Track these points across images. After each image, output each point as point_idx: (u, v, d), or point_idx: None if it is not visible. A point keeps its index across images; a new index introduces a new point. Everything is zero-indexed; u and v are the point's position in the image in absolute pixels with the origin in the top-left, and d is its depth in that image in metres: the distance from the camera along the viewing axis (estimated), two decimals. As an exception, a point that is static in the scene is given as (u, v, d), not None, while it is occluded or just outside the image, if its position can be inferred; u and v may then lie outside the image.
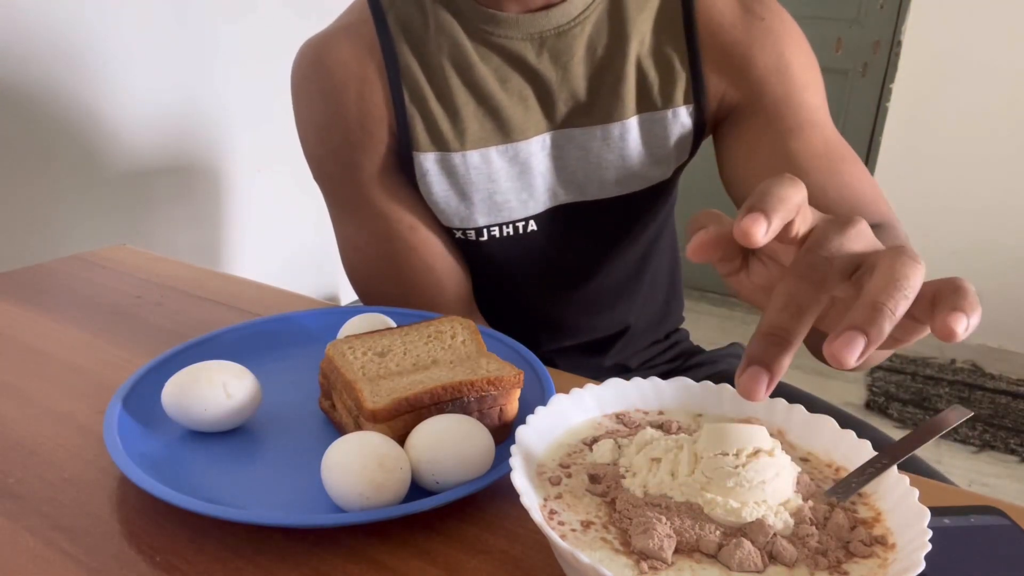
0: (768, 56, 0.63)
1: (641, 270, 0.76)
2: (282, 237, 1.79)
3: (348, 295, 2.01)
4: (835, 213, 0.37)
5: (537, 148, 0.66)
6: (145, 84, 1.39)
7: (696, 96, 0.65)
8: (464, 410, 0.43)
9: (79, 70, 1.27)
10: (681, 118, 0.65)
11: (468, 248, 0.71)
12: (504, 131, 0.65)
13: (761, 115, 0.63)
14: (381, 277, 0.70)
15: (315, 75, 0.65)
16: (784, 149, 0.61)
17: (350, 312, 0.60)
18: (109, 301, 0.70)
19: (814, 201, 0.54)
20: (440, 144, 0.65)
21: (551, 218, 0.69)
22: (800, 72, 0.63)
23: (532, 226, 0.69)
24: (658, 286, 0.80)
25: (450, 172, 0.66)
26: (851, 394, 1.98)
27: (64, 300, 0.70)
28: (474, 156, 0.65)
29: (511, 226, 0.68)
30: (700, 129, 0.67)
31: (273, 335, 0.59)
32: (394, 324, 0.56)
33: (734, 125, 0.65)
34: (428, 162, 0.65)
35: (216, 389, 0.45)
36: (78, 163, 1.31)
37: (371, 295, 0.72)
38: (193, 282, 0.75)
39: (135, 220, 1.45)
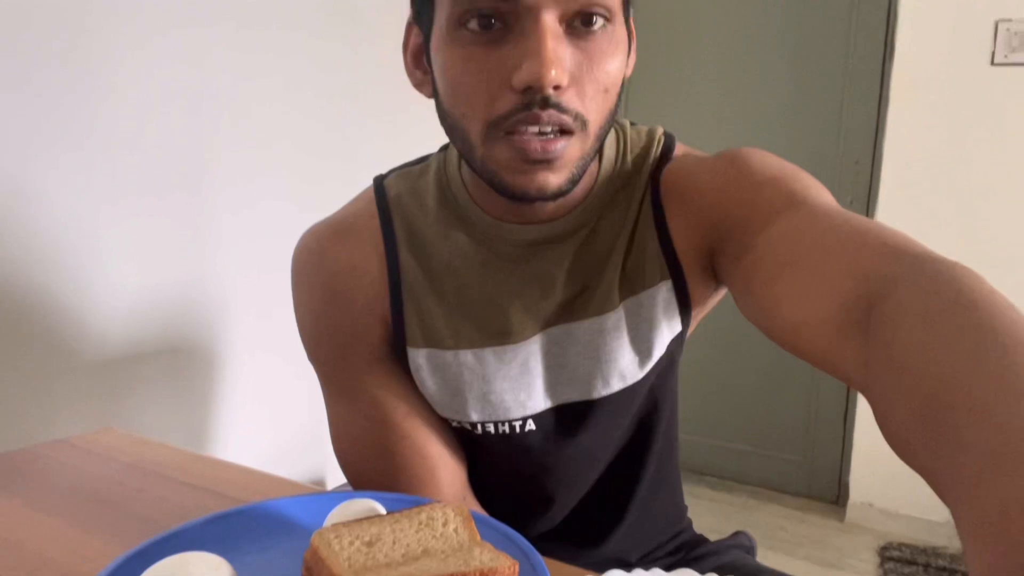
0: (736, 206, 0.60)
1: (641, 457, 0.74)
2: (273, 419, 1.76)
3: (336, 477, 1.95)
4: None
5: (535, 348, 0.66)
6: (140, 265, 1.43)
7: (672, 270, 0.65)
8: (455, 606, 0.41)
9: (71, 252, 1.31)
10: (662, 294, 0.65)
11: (464, 435, 0.70)
12: (502, 333, 0.65)
13: (749, 251, 0.58)
14: (372, 462, 0.68)
15: (316, 264, 0.67)
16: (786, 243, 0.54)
17: (337, 498, 0.58)
18: (90, 487, 0.68)
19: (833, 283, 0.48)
20: (433, 341, 0.66)
21: (550, 417, 0.68)
22: (773, 197, 0.58)
23: (530, 425, 0.68)
24: (657, 472, 0.77)
25: (442, 369, 0.66)
26: (864, 586, 1.88)
27: (44, 487, 0.68)
28: (467, 355, 0.65)
29: (507, 424, 0.67)
30: (685, 302, 0.66)
31: (255, 523, 0.57)
32: (384, 510, 0.54)
33: (732, 267, 0.61)
34: (420, 358, 0.66)
35: (193, 583, 0.43)
36: (67, 345, 1.32)
37: (361, 479, 0.70)
38: (178, 467, 0.73)
39: (124, 401, 1.43)
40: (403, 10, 0.64)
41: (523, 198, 0.56)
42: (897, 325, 0.39)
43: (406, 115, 1.99)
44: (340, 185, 1.78)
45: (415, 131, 2.01)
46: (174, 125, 1.42)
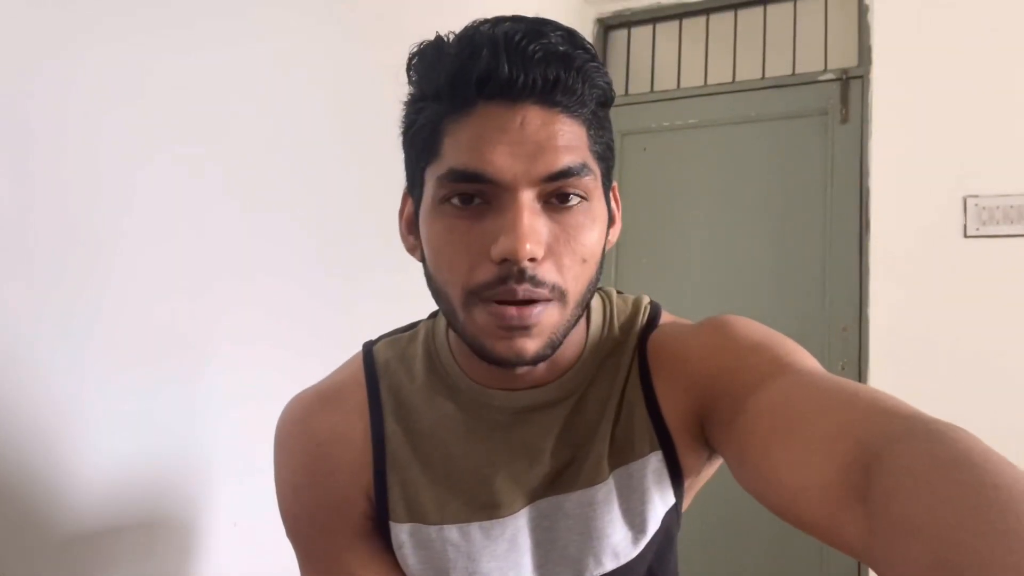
0: (722, 373, 0.60)
1: None
2: (251, 600, 1.66)
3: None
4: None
5: (523, 522, 0.64)
6: (122, 435, 1.40)
7: (662, 440, 0.64)
8: None
9: (54, 421, 1.29)
10: (652, 464, 0.64)
11: None
12: (489, 506, 0.63)
13: (739, 418, 0.57)
14: None
15: (299, 433, 0.67)
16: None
17: None
18: None
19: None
20: (416, 515, 0.64)
21: None
22: (759, 363, 0.58)
23: None
24: None
25: (425, 546, 0.63)
26: None
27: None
28: (452, 531, 0.63)
29: None
30: (676, 472, 0.65)
31: None
32: None
33: (723, 435, 0.59)
34: (403, 534, 0.64)
35: None
36: (41, 518, 1.26)
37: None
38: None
39: (95, 581, 1.35)
40: (397, 178, 0.67)
41: (502, 363, 0.56)
42: (896, 489, 0.39)
43: (405, 285, 2.04)
44: (332, 358, 1.79)
45: (411, 303, 2.05)
46: (168, 301, 1.45)
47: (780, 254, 2.34)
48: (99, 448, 1.32)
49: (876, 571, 0.39)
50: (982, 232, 2.01)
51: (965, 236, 2.03)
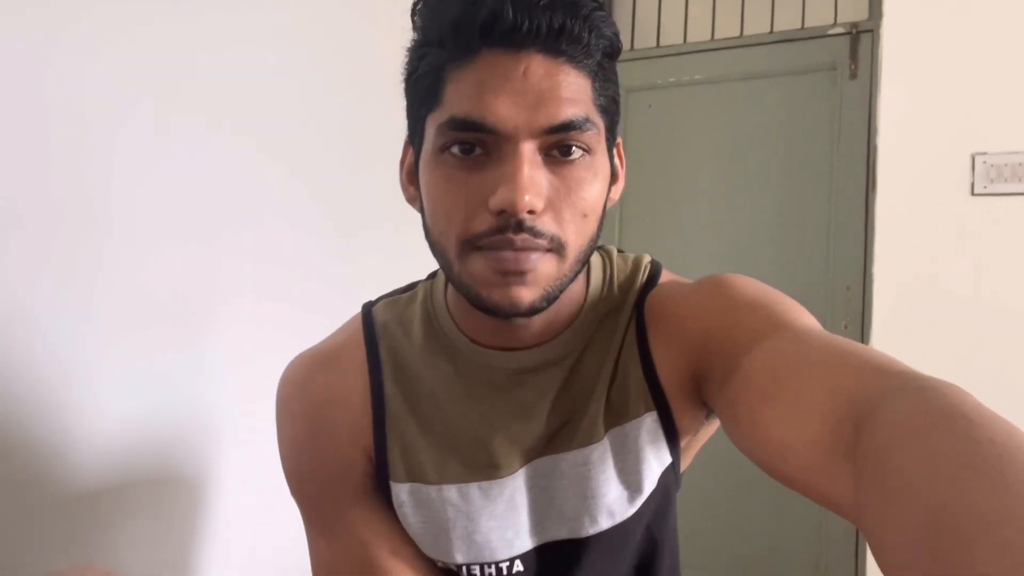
0: (718, 332, 0.59)
1: None
2: (259, 556, 1.69)
3: (324, 621, 1.85)
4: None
5: (521, 482, 0.64)
6: (128, 394, 1.41)
7: (656, 401, 0.64)
8: None
9: (59, 381, 1.30)
10: (647, 425, 0.64)
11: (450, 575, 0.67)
12: (488, 467, 0.64)
13: (733, 376, 0.56)
14: None
15: (299, 396, 0.67)
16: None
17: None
18: (60, 629, 0.64)
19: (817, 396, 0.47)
20: (416, 476, 0.64)
21: (539, 557, 0.66)
22: (755, 322, 0.57)
23: (518, 566, 0.65)
24: None
25: (425, 505, 0.64)
26: None
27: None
28: (451, 491, 0.64)
29: (493, 567, 0.64)
30: (671, 432, 0.65)
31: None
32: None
33: (718, 394, 0.59)
34: (403, 493, 0.64)
35: None
36: (49, 476, 1.28)
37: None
38: (155, 606, 0.69)
39: (107, 536, 1.38)
40: (402, 134, 0.66)
41: (498, 312, 0.56)
42: (886, 445, 0.38)
43: (406, 244, 2.04)
44: (335, 318, 1.79)
45: (413, 260, 2.05)
46: (170, 258, 1.45)
47: (785, 213, 2.32)
48: (105, 408, 1.34)
49: (863, 529, 0.38)
50: (989, 190, 1.99)
51: (972, 194, 2.01)
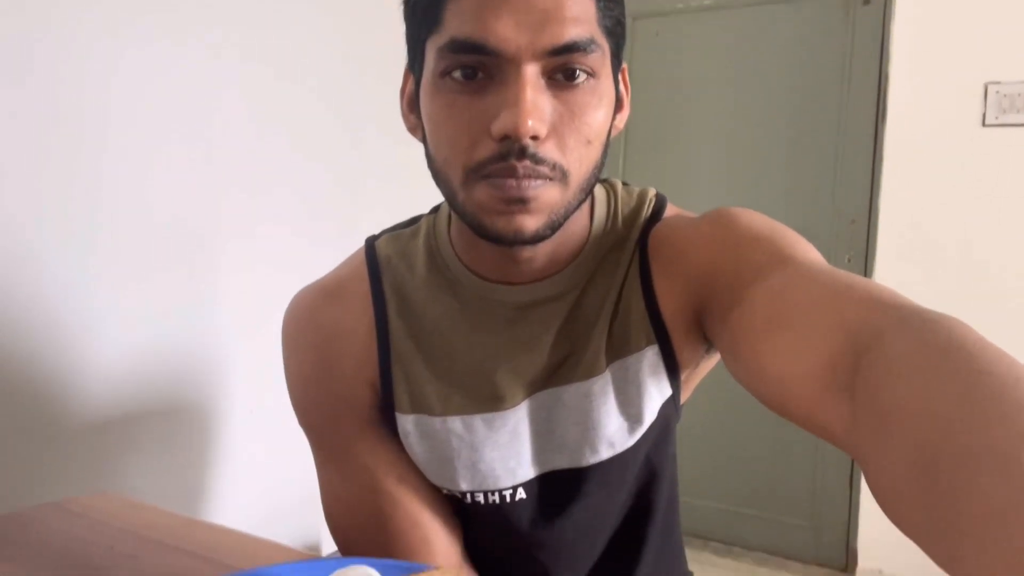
0: (721, 265, 0.59)
1: (642, 532, 0.72)
2: (269, 482, 1.74)
3: (332, 544, 1.91)
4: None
5: (523, 413, 0.65)
6: (137, 326, 1.43)
7: (658, 334, 0.64)
8: None
9: (67, 313, 1.32)
10: (648, 358, 0.64)
11: (456, 504, 0.69)
12: (492, 399, 0.64)
13: (734, 310, 0.56)
14: (364, 530, 0.67)
15: (305, 328, 0.67)
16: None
17: (333, 564, 0.57)
18: (81, 553, 0.66)
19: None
20: (421, 407, 0.65)
21: (541, 486, 0.67)
22: (759, 256, 0.57)
23: (520, 494, 0.66)
24: (660, 547, 0.74)
25: (430, 436, 0.65)
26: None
27: (32, 553, 0.66)
28: (455, 423, 0.64)
29: (496, 494, 0.66)
30: (672, 365, 0.65)
31: (249, 591, 0.55)
32: (379, 577, 0.53)
33: (719, 327, 0.59)
34: (408, 424, 0.65)
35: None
36: (61, 407, 1.31)
37: (352, 547, 0.68)
38: (171, 531, 0.72)
39: (118, 464, 1.41)
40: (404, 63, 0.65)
41: (502, 240, 0.55)
42: (885, 375, 0.38)
43: (412, 175, 2.02)
44: (341, 247, 1.79)
45: (419, 192, 2.04)
46: (174, 186, 1.44)
47: (792, 143, 2.29)
48: (113, 340, 1.35)
49: (859, 459, 0.38)
50: (1001, 121, 1.96)
51: (983, 125, 1.98)
